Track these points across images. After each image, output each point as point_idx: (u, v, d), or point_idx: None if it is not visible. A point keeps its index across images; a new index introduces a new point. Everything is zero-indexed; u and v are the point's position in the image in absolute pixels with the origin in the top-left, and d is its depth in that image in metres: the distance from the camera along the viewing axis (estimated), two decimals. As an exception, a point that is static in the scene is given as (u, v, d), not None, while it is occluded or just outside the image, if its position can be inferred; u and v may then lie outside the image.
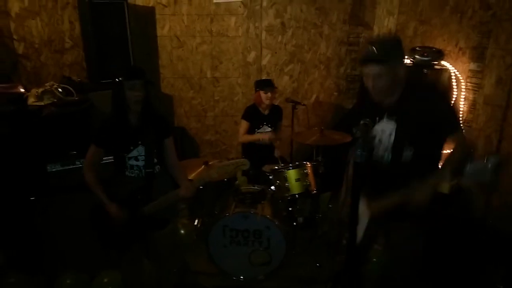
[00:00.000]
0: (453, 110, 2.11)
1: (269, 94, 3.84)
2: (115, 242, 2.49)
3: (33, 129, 3.07)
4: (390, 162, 2.10)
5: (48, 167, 2.96)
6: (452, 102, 3.54)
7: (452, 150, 2.01)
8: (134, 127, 2.45)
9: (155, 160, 2.54)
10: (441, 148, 2.08)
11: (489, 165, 1.63)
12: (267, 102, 3.88)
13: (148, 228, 2.50)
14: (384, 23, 4.29)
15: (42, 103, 3.19)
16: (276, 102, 4.18)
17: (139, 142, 2.46)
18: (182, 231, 3.49)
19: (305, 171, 3.37)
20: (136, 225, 2.43)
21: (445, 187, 1.79)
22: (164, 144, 2.58)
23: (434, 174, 1.95)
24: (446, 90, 2.10)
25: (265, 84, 3.86)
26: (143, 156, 2.48)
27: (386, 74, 1.94)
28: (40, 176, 2.95)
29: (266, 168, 3.73)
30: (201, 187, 3.32)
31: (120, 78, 2.37)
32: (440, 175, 1.93)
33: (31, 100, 3.21)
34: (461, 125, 2.14)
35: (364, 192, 1.99)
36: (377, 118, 2.09)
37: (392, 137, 2.07)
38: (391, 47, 2.05)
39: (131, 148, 2.45)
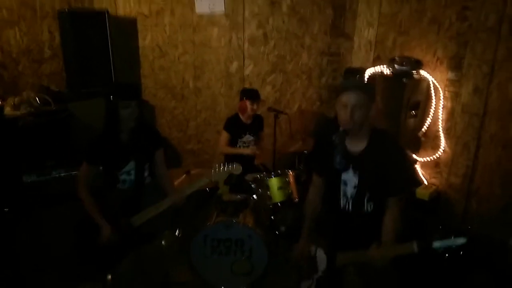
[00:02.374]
0: (407, 172, 2.15)
1: (255, 105, 3.86)
2: (99, 259, 2.43)
3: (9, 139, 3.00)
4: (352, 212, 2.15)
5: (24, 178, 2.89)
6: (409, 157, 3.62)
7: (389, 218, 2.05)
8: (125, 144, 2.43)
9: (146, 173, 2.55)
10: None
11: (454, 245, 1.69)
12: (251, 112, 3.89)
13: (136, 243, 2.47)
14: (364, 34, 4.36)
15: (18, 113, 3.13)
16: (259, 111, 4.18)
17: (130, 158, 2.45)
18: (163, 242, 3.43)
19: (287, 179, 3.38)
20: (124, 239, 2.39)
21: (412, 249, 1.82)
22: (155, 155, 2.60)
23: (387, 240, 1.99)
24: (409, 143, 2.18)
25: (253, 95, 3.87)
26: (134, 170, 2.47)
27: (363, 105, 1.95)
28: (15, 187, 2.88)
29: (249, 177, 3.71)
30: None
31: (112, 96, 2.32)
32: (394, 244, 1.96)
33: (7, 110, 3.15)
34: (408, 188, 2.19)
35: (326, 240, 2.11)
36: (341, 169, 2.09)
37: (355, 190, 2.11)
38: (369, 84, 2.12)
39: (123, 165, 2.44)
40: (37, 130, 3.15)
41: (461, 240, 1.68)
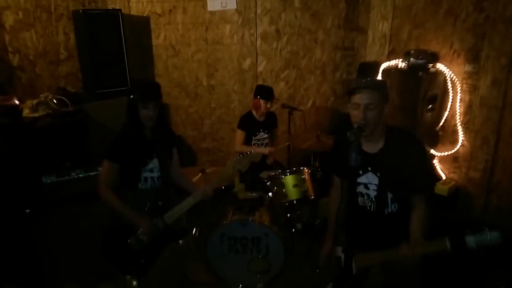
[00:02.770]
0: (429, 167, 2.10)
1: (269, 103, 3.85)
2: (134, 266, 2.41)
3: (28, 141, 3.05)
4: (375, 212, 2.11)
5: (43, 179, 2.94)
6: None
7: (416, 216, 2.01)
8: (148, 140, 2.43)
9: (168, 171, 2.55)
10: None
11: (489, 240, 1.62)
12: (265, 110, 3.88)
13: (169, 240, 2.49)
14: (379, 27, 4.30)
15: (37, 115, 3.18)
16: (272, 109, 4.17)
17: (154, 155, 2.45)
18: (180, 241, 3.45)
19: (302, 176, 3.36)
20: (159, 238, 2.39)
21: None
22: (172, 153, 2.63)
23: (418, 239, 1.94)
24: (422, 141, 2.14)
25: (267, 94, 3.86)
26: (157, 168, 2.47)
27: (376, 105, 1.91)
28: (35, 188, 2.93)
29: (264, 174, 3.70)
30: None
31: (134, 96, 2.33)
32: (425, 242, 1.91)
33: (25, 112, 3.20)
34: (431, 184, 2.15)
35: (350, 240, 2.05)
36: (361, 171, 2.07)
37: (376, 191, 2.07)
38: (382, 82, 2.07)
39: (148, 161, 2.43)
40: (55, 131, 3.19)
41: (495, 234, 1.61)
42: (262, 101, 3.83)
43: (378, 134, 2.02)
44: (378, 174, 2.04)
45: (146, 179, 2.45)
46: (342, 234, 2.24)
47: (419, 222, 2.00)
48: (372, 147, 2.04)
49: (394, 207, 2.09)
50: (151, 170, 2.45)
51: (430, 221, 2.01)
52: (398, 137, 2.04)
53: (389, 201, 2.07)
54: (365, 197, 2.12)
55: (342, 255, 2.20)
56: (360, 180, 2.10)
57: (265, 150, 3.85)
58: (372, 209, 2.12)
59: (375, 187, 2.06)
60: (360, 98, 1.92)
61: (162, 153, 2.48)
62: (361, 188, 2.12)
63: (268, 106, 3.86)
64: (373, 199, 2.10)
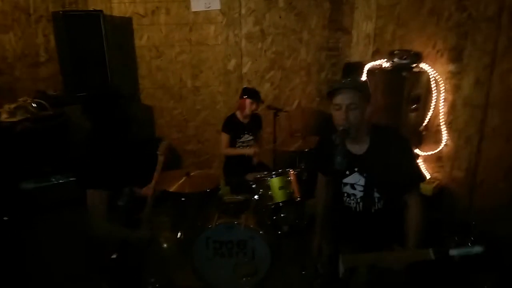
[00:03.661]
0: (416, 163, 2.10)
1: (254, 104, 3.81)
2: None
3: (6, 146, 2.97)
4: (362, 212, 2.11)
5: (22, 185, 2.86)
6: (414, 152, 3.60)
7: (410, 215, 2.01)
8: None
9: None
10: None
11: (473, 252, 1.66)
12: (249, 112, 3.85)
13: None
14: (363, 27, 4.31)
15: (15, 119, 3.11)
16: (258, 110, 4.14)
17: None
18: (165, 245, 3.41)
19: (288, 178, 3.34)
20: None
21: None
22: None
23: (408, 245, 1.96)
24: (409, 138, 2.13)
25: (255, 94, 3.83)
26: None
27: (358, 105, 1.90)
28: (13, 195, 2.85)
29: (249, 176, 3.67)
30: (182, 199, 3.30)
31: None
32: (414, 249, 1.93)
33: (3, 117, 3.12)
34: (420, 179, 2.15)
35: (336, 240, 2.10)
36: (347, 172, 2.06)
37: (363, 191, 2.06)
38: (363, 82, 2.06)
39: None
40: (34, 136, 3.12)
41: (477, 249, 1.66)
42: (248, 101, 3.79)
43: (363, 134, 2.01)
44: (365, 174, 2.03)
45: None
46: (330, 234, 2.24)
47: (414, 222, 1.99)
48: (357, 147, 2.03)
49: (380, 204, 2.08)
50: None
51: (426, 215, 2.01)
52: (384, 136, 2.03)
53: (376, 200, 2.07)
54: (351, 197, 2.11)
55: (328, 252, 2.21)
56: (346, 180, 2.09)
57: (250, 151, 3.82)
58: (358, 209, 2.11)
59: (362, 188, 2.06)
60: (342, 99, 1.90)
61: None
62: (347, 189, 2.11)
63: (253, 107, 3.83)
64: (359, 199, 2.09)
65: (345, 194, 2.12)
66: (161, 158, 2.47)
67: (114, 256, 2.24)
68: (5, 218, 2.80)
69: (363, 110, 1.93)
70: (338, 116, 1.92)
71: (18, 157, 3.00)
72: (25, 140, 3.08)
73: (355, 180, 2.07)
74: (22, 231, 2.84)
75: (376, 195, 2.06)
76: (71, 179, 3.03)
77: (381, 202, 2.07)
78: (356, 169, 2.05)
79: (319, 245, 2.29)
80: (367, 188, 2.04)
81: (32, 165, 3.00)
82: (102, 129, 2.13)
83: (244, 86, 4.35)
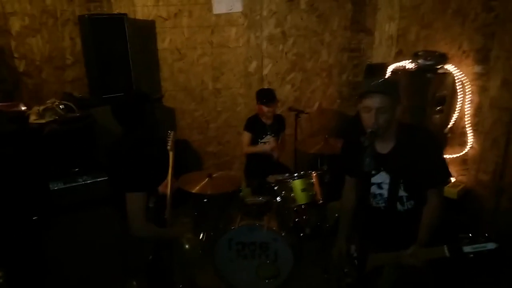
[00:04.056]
0: (444, 161, 2.08)
1: (271, 106, 3.81)
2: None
3: (35, 147, 3.05)
4: (387, 211, 2.11)
5: (51, 185, 2.93)
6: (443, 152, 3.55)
7: (426, 210, 2.03)
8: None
9: None
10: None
11: (487, 248, 1.69)
12: (269, 114, 3.86)
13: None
14: (385, 28, 4.27)
15: (43, 121, 3.18)
16: (279, 111, 4.14)
17: None
18: (187, 246, 3.43)
19: (310, 180, 3.33)
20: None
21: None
22: None
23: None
24: (437, 136, 2.11)
25: (266, 98, 3.82)
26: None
27: (388, 108, 1.90)
28: (42, 195, 2.92)
29: (271, 178, 3.67)
30: (204, 200, 3.32)
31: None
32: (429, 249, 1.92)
33: (32, 118, 3.20)
34: (447, 177, 2.13)
35: (362, 237, 2.10)
36: (374, 172, 2.07)
37: (389, 190, 2.07)
38: (393, 84, 2.07)
39: None
40: (62, 137, 3.18)
41: (491, 245, 1.68)
42: (263, 107, 3.80)
43: (390, 134, 2.01)
44: (391, 173, 2.03)
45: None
46: (357, 234, 2.24)
47: (428, 216, 2.01)
48: (384, 147, 2.03)
49: (410, 204, 2.08)
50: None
51: (442, 214, 2.02)
52: (410, 134, 2.02)
53: (404, 199, 2.07)
54: (378, 197, 2.12)
55: (355, 254, 2.21)
56: (374, 180, 2.10)
57: (269, 146, 3.83)
58: (383, 208, 2.12)
59: (388, 186, 2.06)
60: (372, 102, 1.90)
61: None
62: (374, 189, 2.11)
63: (271, 109, 3.83)
64: (385, 198, 2.09)
65: (372, 194, 2.12)
66: (171, 153, 2.48)
67: (150, 257, 2.30)
68: (35, 218, 2.86)
69: (393, 113, 1.93)
70: (367, 119, 1.93)
71: (47, 158, 3.07)
72: (53, 142, 3.14)
73: (382, 179, 2.07)
74: (50, 230, 2.90)
75: (403, 193, 2.05)
76: (98, 179, 3.08)
77: (410, 201, 2.07)
78: (382, 168, 2.05)
79: (343, 247, 2.30)
80: (392, 187, 2.04)
81: (60, 166, 3.06)
82: (135, 131, 2.18)
83: (263, 87, 4.34)
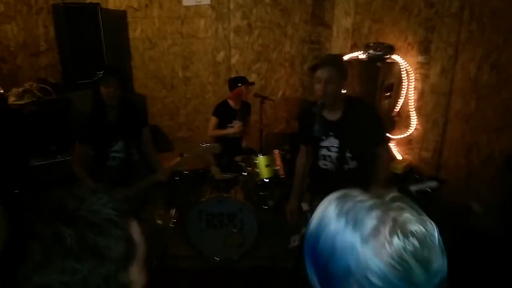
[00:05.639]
0: (382, 125, 2.51)
1: (249, 88, 4.11)
2: None
3: (15, 126, 3.21)
4: (336, 171, 2.47)
5: (31, 161, 3.11)
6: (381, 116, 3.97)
7: (378, 161, 2.44)
8: (113, 123, 2.66)
9: (134, 151, 2.78)
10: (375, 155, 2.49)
11: (429, 186, 1.99)
12: (247, 95, 4.13)
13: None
14: (342, 22, 4.65)
15: (22, 102, 3.34)
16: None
17: (119, 137, 2.68)
18: (159, 222, 3.66)
19: (274, 157, 3.65)
20: None
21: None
22: (142, 134, 2.83)
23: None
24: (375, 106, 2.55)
25: (244, 80, 4.11)
26: (123, 148, 2.71)
27: (335, 80, 2.26)
28: (23, 170, 3.09)
29: (238, 158, 3.97)
30: (176, 178, 3.57)
31: (96, 78, 2.62)
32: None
33: (11, 99, 3.35)
34: (386, 139, 2.59)
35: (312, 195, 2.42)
36: (324, 137, 2.42)
37: (337, 152, 2.43)
38: (339, 58, 2.44)
39: (113, 143, 2.68)
40: (41, 117, 3.36)
41: (432, 183, 1.99)
42: (243, 87, 4.05)
43: (338, 104, 2.37)
44: (339, 137, 2.39)
45: (114, 158, 2.72)
46: (308, 193, 2.57)
47: (381, 165, 2.44)
48: (332, 115, 2.39)
49: (354, 164, 2.45)
50: (118, 151, 2.71)
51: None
52: (355, 105, 2.41)
53: (348, 160, 2.43)
54: (327, 158, 2.47)
55: (308, 208, 2.53)
56: (323, 144, 2.45)
57: (234, 129, 4.07)
58: (333, 169, 2.47)
59: (336, 149, 2.42)
60: (321, 73, 2.26)
61: (127, 135, 2.71)
62: (324, 151, 2.47)
63: (248, 90, 4.12)
64: (334, 159, 2.45)
65: (322, 157, 2.48)
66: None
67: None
68: (16, 191, 3.04)
69: (340, 86, 2.29)
70: (319, 89, 2.27)
71: (27, 136, 3.24)
72: (32, 122, 3.32)
73: (331, 143, 2.43)
74: (30, 204, 3.07)
75: (348, 155, 2.42)
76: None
77: (354, 161, 2.44)
78: (331, 134, 2.41)
79: (295, 205, 2.63)
80: (340, 149, 2.41)
81: (39, 144, 3.23)
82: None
83: (232, 76, 4.62)
